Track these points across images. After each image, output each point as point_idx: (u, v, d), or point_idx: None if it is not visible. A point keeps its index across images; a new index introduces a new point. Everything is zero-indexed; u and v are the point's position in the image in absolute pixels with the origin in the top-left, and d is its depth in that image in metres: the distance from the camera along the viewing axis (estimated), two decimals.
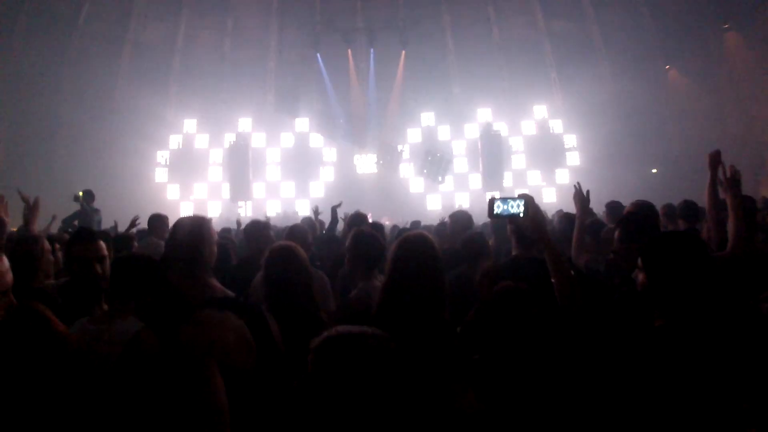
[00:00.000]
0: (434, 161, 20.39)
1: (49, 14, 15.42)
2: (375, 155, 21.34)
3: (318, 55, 21.18)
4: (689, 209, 5.35)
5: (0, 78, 14.21)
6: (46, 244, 3.36)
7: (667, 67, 16.99)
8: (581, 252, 3.73)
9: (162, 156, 18.59)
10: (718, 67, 15.34)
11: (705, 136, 14.41)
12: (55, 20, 15.61)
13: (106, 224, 9.56)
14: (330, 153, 21.08)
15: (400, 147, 20.95)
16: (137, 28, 17.95)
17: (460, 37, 20.61)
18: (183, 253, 2.65)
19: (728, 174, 3.25)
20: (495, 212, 2.40)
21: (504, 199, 2.38)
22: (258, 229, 4.55)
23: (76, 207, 9.50)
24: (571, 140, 18.81)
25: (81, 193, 9.63)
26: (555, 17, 18.79)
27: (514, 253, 3.59)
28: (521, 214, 2.33)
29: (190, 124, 19.22)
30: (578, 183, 3.76)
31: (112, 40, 17.33)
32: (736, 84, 14.74)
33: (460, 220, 5.14)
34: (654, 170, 16.81)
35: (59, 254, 3.77)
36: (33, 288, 2.99)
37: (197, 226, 2.76)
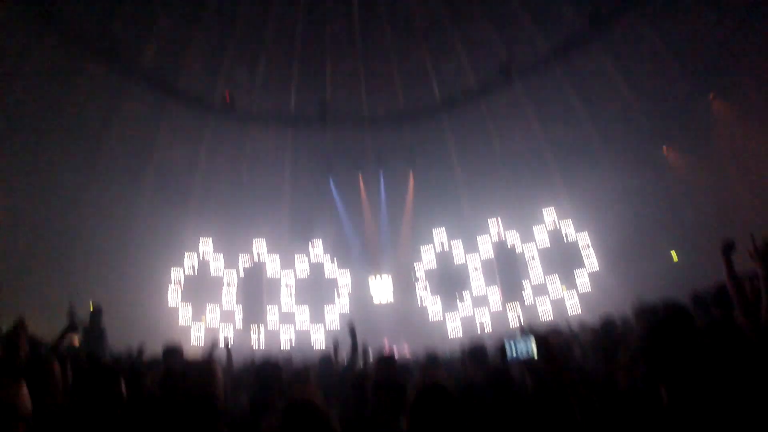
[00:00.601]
0: (450, 282, 20.37)
1: (79, 129, 16.30)
2: (390, 277, 21.43)
3: (330, 179, 22.07)
4: (722, 295, 5.00)
5: (24, 188, 14.69)
6: (57, 367, 3.28)
7: (665, 148, 17.12)
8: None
9: (176, 274, 18.49)
10: (712, 138, 15.43)
11: (717, 209, 14.30)
12: (83, 135, 16.43)
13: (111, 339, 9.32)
14: (345, 277, 20.90)
15: (416, 271, 20.92)
16: (161, 148, 18.79)
17: (465, 154, 21.41)
18: (192, 402, 2.56)
19: (757, 244, 3.15)
20: (507, 358, 2.34)
21: (514, 342, 2.33)
22: (270, 372, 4.29)
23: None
24: (584, 240, 18.61)
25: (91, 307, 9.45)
26: (551, 123, 19.57)
27: (530, 387, 3.44)
28: (535, 356, 2.26)
29: (205, 243, 19.37)
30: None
31: (137, 158, 18.05)
32: (733, 151, 14.75)
33: (475, 355, 4.98)
34: (674, 254, 16.38)
35: (69, 373, 3.63)
36: (44, 409, 2.86)
37: (206, 373, 2.68)
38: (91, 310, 9.20)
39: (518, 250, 19.74)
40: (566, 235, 18.96)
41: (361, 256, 21.73)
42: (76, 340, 9.76)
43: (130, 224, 16.96)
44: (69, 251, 15.33)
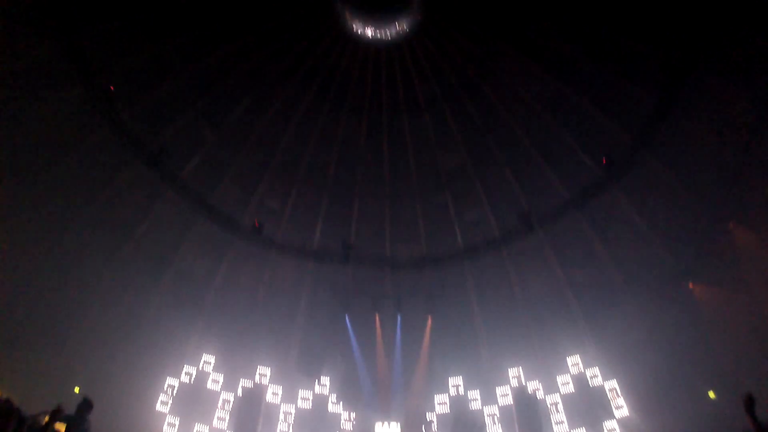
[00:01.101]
0: (465, 430, 18.37)
1: (110, 219, 16.88)
2: (399, 424, 19.49)
3: (346, 317, 21.54)
4: None
5: (43, 261, 14.65)
6: None
7: (690, 283, 16.30)
8: None
9: (170, 384, 17.26)
10: (738, 266, 14.63)
11: (753, 339, 12.89)
12: (113, 225, 16.94)
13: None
14: (349, 419, 19.26)
15: (429, 417, 19.20)
16: (184, 256, 19.07)
17: (485, 300, 20.97)
18: None
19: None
20: None
21: None
22: None
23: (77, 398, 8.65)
24: (612, 386, 16.88)
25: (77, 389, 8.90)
26: (572, 266, 19.32)
27: None
28: None
29: (207, 360, 18.43)
30: None
31: (158, 259, 18.24)
32: (761, 276, 13.78)
33: None
34: (711, 393, 14.48)
35: None
36: None
37: None
38: (81, 401, 8.74)
39: (540, 396, 17.98)
40: (591, 378, 17.36)
41: (370, 399, 20.13)
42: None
43: (136, 321, 16.71)
44: (70, 331, 15.00)
